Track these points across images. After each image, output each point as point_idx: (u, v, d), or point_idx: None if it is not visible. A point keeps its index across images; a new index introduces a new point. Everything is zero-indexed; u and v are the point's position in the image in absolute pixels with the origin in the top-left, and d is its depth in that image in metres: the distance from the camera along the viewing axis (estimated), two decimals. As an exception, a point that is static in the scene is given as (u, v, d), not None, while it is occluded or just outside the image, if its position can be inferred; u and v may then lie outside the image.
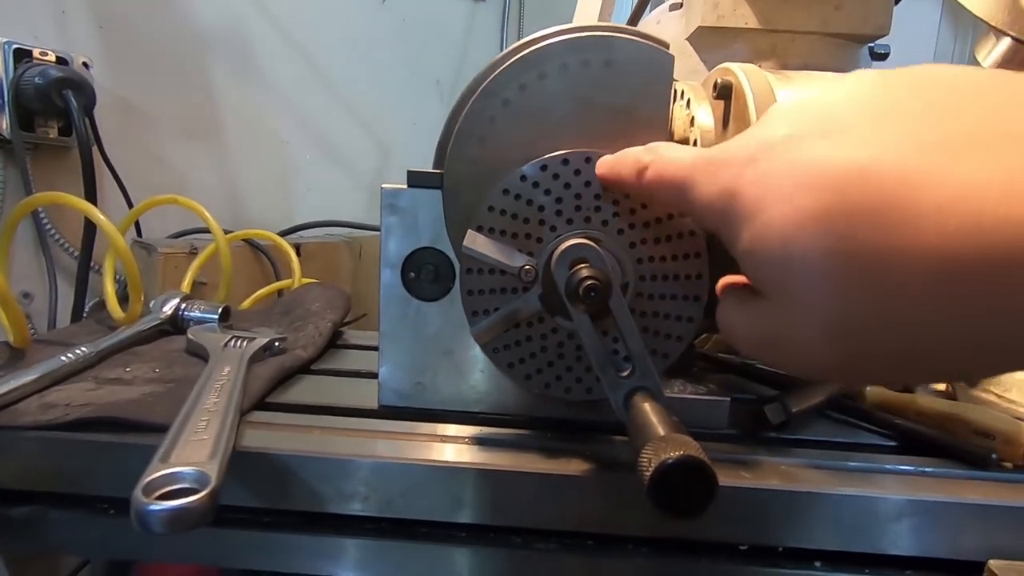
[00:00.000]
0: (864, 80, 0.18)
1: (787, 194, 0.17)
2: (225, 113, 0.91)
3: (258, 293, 0.63)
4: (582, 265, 0.26)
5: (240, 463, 0.26)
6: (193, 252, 0.72)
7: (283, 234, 0.82)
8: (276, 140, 1.01)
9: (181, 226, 0.82)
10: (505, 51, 0.31)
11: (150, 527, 0.20)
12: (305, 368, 0.39)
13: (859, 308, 0.16)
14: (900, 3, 0.59)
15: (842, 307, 0.16)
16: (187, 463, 0.22)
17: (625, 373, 0.26)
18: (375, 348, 0.47)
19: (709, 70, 0.59)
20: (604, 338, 0.27)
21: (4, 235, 0.38)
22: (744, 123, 0.30)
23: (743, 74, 0.30)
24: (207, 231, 0.81)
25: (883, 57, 0.67)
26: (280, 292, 0.70)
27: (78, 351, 0.34)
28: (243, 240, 0.73)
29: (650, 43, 0.30)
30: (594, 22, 0.71)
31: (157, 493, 0.21)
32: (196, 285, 0.60)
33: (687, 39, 0.60)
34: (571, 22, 0.76)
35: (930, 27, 1.07)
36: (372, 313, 0.81)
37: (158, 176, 0.82)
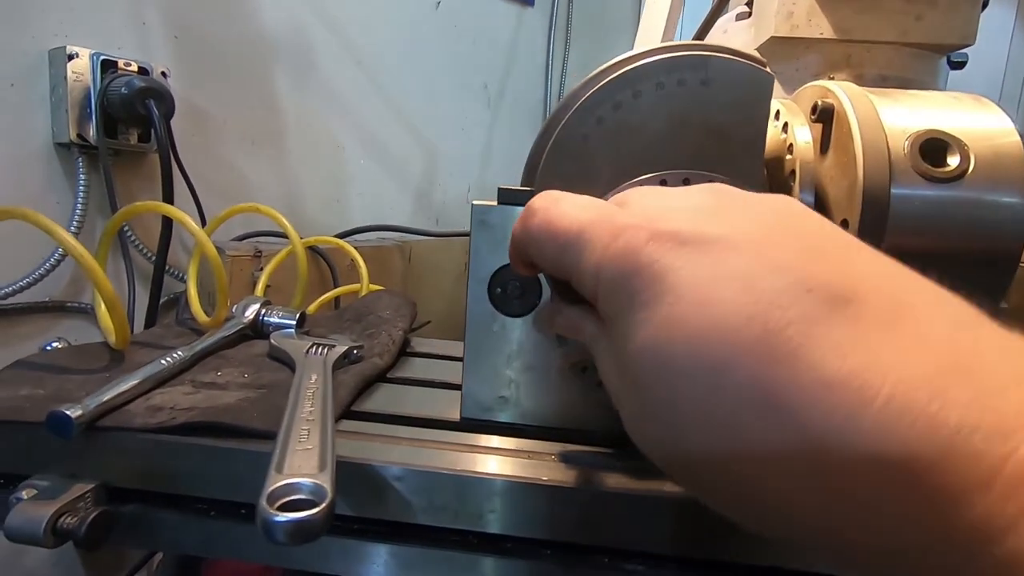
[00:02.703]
0: (792, 210, 0.18)
1: (720, 302, 0.15)
2: (286, 119, 0.93)
3: (324, 297, 0.65)
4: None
5: (337, 471, 0.27)
6: (257, 255, 0.74)
7: (338, 238, 0.84)
8: (332, 145, 1.03)
9: (242, 229, 0.84)
10: (599, 69, 0.31)
11: (275, 537, 0.20)
12: (382, 376, 0.40)
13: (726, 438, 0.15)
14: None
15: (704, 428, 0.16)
16: (301, 474, 0.23)
17: None
18: (442, 357, 0.48)
19: (780, 81, 0.58)
20: None
21: (103, 241, 0.40)
22: (846, 154, 0.29)
23: (846, 97, 0.30)
24: (269, 234, 0.84)
25: (961, 66, 0.65)
26: (337, 298, 0.71)
27: (175, 355, 0.35)
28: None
29: (748, 62, 0.29)
30: (659, 35, 0.71)
31: (278, 503, 0.21)
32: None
33: (756, 49, 0.60)
34: (633, 32, 0.76)
35: (1003, 33, 1.03)
36: (424, 317, 0.82)
37: (223, 180, 0.86)
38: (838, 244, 0.16)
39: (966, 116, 0.29)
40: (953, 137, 0.27)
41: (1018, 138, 0.27)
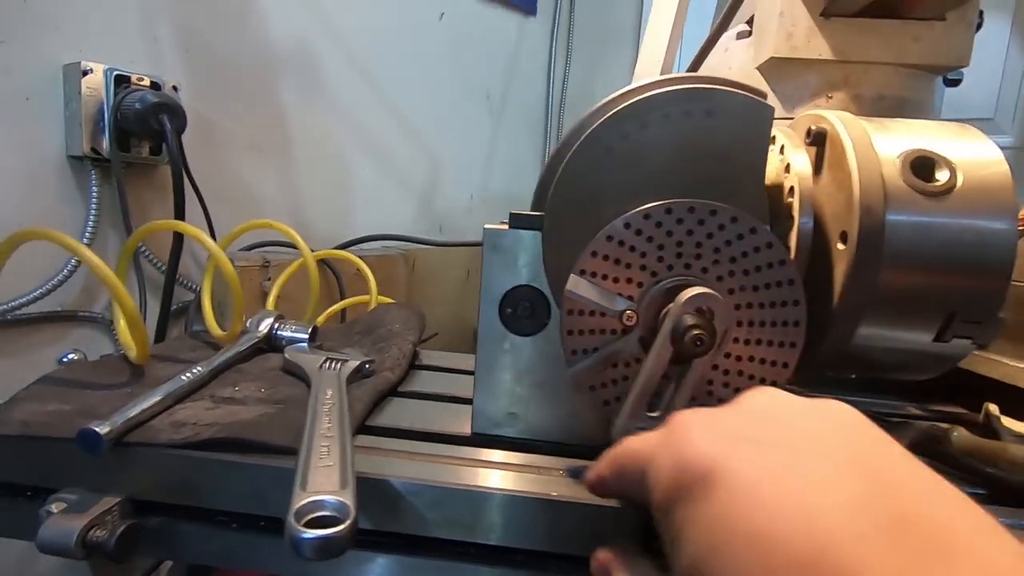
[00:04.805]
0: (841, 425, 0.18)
1: (776, 510, 0.16)
2: (293, 130, 0.95)
3: (332, 309, 0.66)
4: (698, 314, 0.27)
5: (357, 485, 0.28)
6: (265, 265, 0.75)
7: (343, 247, 0.85)
8: (337, 155, 1.04)
9: (250, 239, 0.85)
10: (607, 99, 0.32)
11: (303, 553, 0.21)
12: (393, 390, 0.41)
13: None
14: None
15: None
16: (324, 491, 0.24)
17: (655, 414, 0.28)
18: (450, 370, 0.49)
19: (779, 100, 0.59)
20: (663, 380, 0.28)
21: (123, 258, 0.42)
22: (842, 170, 0.31)
23: (840, 123, 0.31)
24: (277, 244, 0.85)
25: (956, 83, 0.66)
26: (344, 309, 0.73)
27: (195, 370, 0.37)
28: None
29: (750, 94, 0.31)
30: (661, 57, 0.72)
31: (304, 520, 0.22)
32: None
33: (756, 68, 0.61)
34: (633, 41, 0.77)
35: (998, 49, 1.04)
36: (428, 325, 0.83)
37: (231, 190, 0.87)
38: (894, 461, 0.17)
39: (952, 140, 0.31)
40: (940, 156, 0.29)
41: (1000, 153, 0.29)
